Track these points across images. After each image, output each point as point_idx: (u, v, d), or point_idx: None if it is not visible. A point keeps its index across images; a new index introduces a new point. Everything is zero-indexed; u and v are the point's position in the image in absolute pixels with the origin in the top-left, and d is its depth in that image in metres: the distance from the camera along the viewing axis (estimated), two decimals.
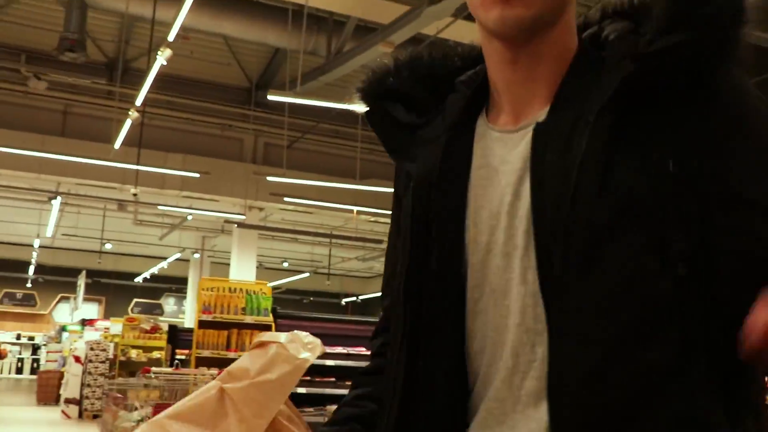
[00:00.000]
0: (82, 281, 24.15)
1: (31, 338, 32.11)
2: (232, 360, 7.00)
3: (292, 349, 3.08)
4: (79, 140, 15.49)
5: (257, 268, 18.92)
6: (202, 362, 7.42)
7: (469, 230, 1.16)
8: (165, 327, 11.94)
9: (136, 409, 4.28)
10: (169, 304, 32.75)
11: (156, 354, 9.92)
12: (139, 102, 10.60)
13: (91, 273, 26.47)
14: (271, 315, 8.37)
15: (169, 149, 16.04)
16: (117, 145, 12.47)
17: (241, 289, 8.50)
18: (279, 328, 8.53)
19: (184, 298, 29.28)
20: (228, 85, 16.71)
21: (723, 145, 1.05)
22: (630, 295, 1.01)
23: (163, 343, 10.05)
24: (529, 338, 1.07)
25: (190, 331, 10.65)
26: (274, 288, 9.20)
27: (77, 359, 14.31)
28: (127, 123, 10.97)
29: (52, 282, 31.25)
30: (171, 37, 8.12)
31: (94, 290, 29.33)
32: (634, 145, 1.04)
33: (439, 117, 1.26)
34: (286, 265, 28.39)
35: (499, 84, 1.21)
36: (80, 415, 14.66)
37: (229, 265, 19.03)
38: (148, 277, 29.41)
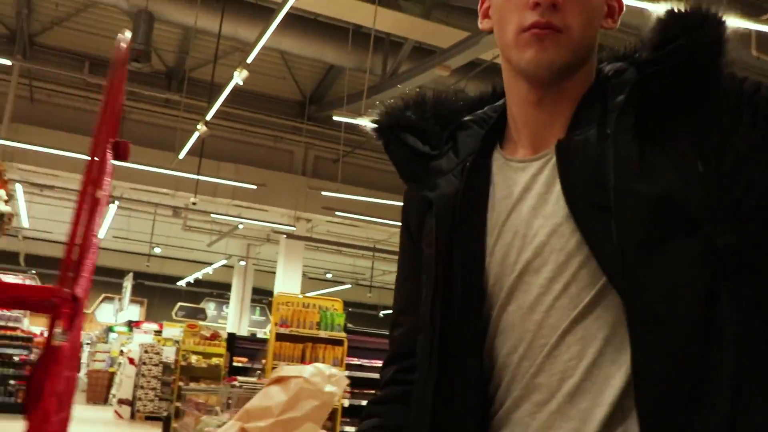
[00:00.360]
0: (128, 283, 24.56)
1: None
2: None
3: (316, 383, 2.91)
4: (135, 146, 15.88)
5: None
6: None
7: (494, 254, 1.21)
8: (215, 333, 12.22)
9: (217, 414, 4.52)
10: (209, 308, 33.15)
11: (215, 360, 10.21)
12: (209, 117, 10.92)
13: (135, 275, 26.93)
14: (344, 331, 8.67)
15: (222, 159, 16.39)
16: (182, 155, 12.81)
17: (314, 305, 8.85)
18: (349, 343, 8.85)
19: (224, 303, 29.64)
20: (281, 98, 17.04)
21: (735, 134, 1.11)
22: (687, 294, 1.05)
23: (221, 350, 10.34)
24: (568, 344, 1.12)
25: (246, 339, 10.91)
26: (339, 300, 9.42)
27: (131, 361, 14.69)
28: (195, 135, 11.30)
29: (96, 282, 31.69)
30: (250, 59, 8.40)
31: (136, 292, 29.79)
32: (659, 152, 1.11)
33: (450, 151, 1.33)
34: (329, 276, 28.68)
35: (519, 121, 1.27)
36: (132, 416, 14.99)
37: (272, 273, 19.28)
38: (192, 281, 29.84)
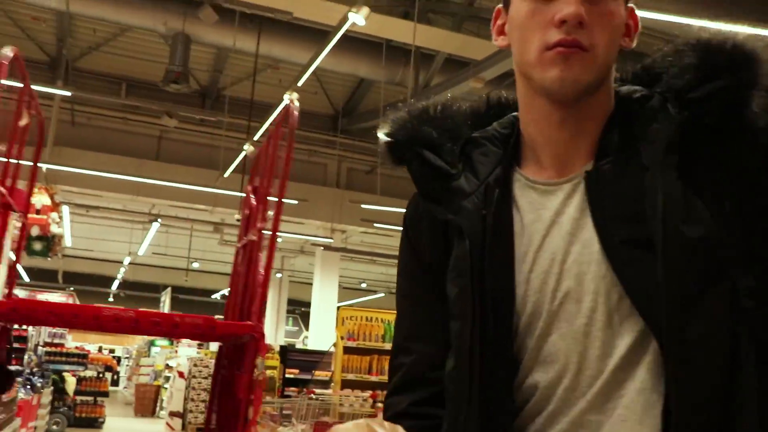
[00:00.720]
0: (167, 297, 24.96)
1: (112, 351, 33.12)
2: (374, 383, 7.37)
3: None
4: (173, 164, 16.27)
5: None
6: (347, 384, 8.16)
7: (531, 281, 1.17)
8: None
9: (293, 425, 4.77)
10: None
11: (269, 372, 10.53)
12: (257, 137, 11.22)
13: (172, 289, 27.37)
14: None
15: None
16: (228, 173, 13.13)
17: (377, 318, 9.18)
18: None
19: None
20: (314, 112, 17.28)
21: (764, 176, 1.11)
22: (719, 335, 1.05)
23: (274, 362, 10.66)
24: (616, 377, 1.10)
25: (297, 351, 11.18)
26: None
27: (181, 374, 15.03)
28: (241, 155, 11.62)
29: (133, 297, 32.24)
30: (300, 82, 8.66)
31: (173, 306, 30.21)
32: (694, 192, 1.09)
33: (467, 170, 1.26)
34: (364, 285, 28.97)
35: (539, 140, 1.23)
36: (183, 428, 15.30)
37: (304, 284, 19.49)
38: (227, 293, 30.20)
